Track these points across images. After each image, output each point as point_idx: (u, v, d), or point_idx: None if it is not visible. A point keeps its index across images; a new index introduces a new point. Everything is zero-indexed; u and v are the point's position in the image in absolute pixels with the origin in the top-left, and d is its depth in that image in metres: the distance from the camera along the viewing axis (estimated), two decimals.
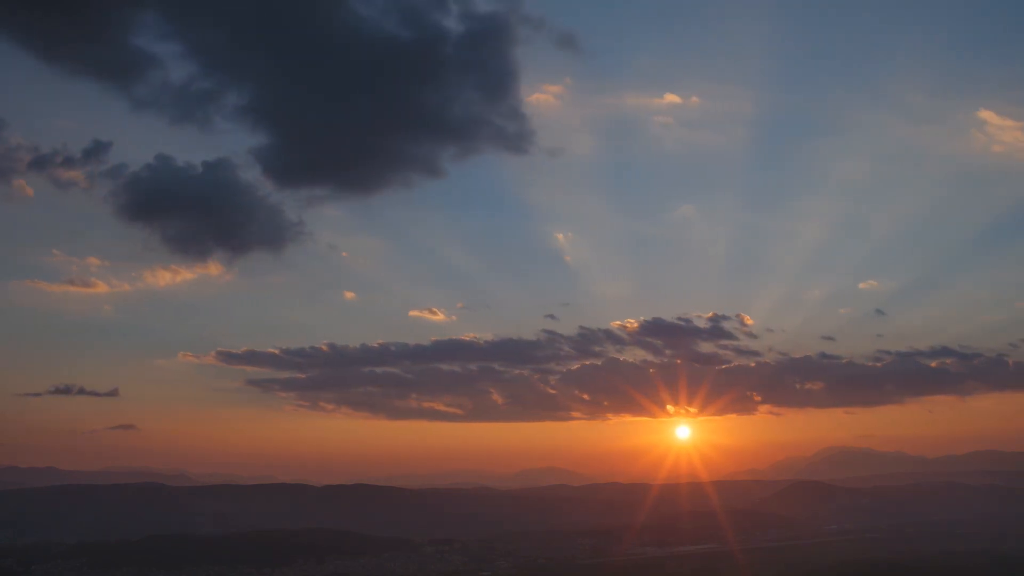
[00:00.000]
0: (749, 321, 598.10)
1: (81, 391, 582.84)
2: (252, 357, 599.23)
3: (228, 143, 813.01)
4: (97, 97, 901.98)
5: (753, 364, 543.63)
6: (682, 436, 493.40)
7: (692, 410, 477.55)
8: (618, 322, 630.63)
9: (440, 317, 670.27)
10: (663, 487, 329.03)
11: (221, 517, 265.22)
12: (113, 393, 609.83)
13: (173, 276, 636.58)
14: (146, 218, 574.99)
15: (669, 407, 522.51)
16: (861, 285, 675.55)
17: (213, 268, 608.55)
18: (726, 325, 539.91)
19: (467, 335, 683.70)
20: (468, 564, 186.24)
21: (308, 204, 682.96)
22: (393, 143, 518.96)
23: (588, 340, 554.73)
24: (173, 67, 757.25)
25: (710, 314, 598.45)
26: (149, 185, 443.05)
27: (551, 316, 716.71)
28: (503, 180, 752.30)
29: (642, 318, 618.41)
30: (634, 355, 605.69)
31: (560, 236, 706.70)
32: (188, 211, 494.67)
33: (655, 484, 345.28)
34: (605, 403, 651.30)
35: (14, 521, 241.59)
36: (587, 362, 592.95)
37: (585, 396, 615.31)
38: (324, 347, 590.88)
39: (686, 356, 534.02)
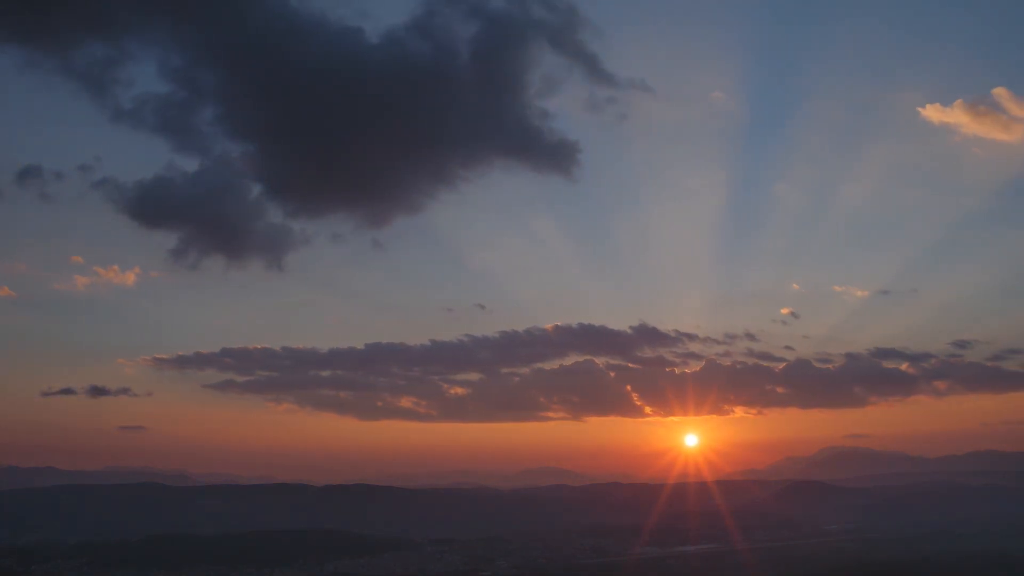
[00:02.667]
0: (670, 324, 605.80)
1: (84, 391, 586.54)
2: (185, 360, 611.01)
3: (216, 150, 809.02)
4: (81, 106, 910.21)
5: (700, 367, 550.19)
6: (673, 437, 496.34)
7: (671, 411, 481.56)
8: (536, 325, 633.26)
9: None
10: (663, 487, 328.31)
11: (221, 517, 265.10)
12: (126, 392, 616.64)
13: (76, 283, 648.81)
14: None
15: (647, 409, 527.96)
16: (764, 286, 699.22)
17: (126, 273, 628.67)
18: (660, 328, 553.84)
19: (383, 340, 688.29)
20: (468, 564, 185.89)
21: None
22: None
23: (516, 344, 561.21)
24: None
25: (631, 319, 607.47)
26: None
27: (467, 319, 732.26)
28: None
29: (555, 323, 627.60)
30: (578, 359, 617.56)
31: (462, 243, 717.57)
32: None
33: (655, 484, 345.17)
34: (577, 404, 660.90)
35: (14, 521, 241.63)
36: (535, 366, 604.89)
37: (555, 397, 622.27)
38: (253, 348, 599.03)
39: (633, 360, 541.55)
